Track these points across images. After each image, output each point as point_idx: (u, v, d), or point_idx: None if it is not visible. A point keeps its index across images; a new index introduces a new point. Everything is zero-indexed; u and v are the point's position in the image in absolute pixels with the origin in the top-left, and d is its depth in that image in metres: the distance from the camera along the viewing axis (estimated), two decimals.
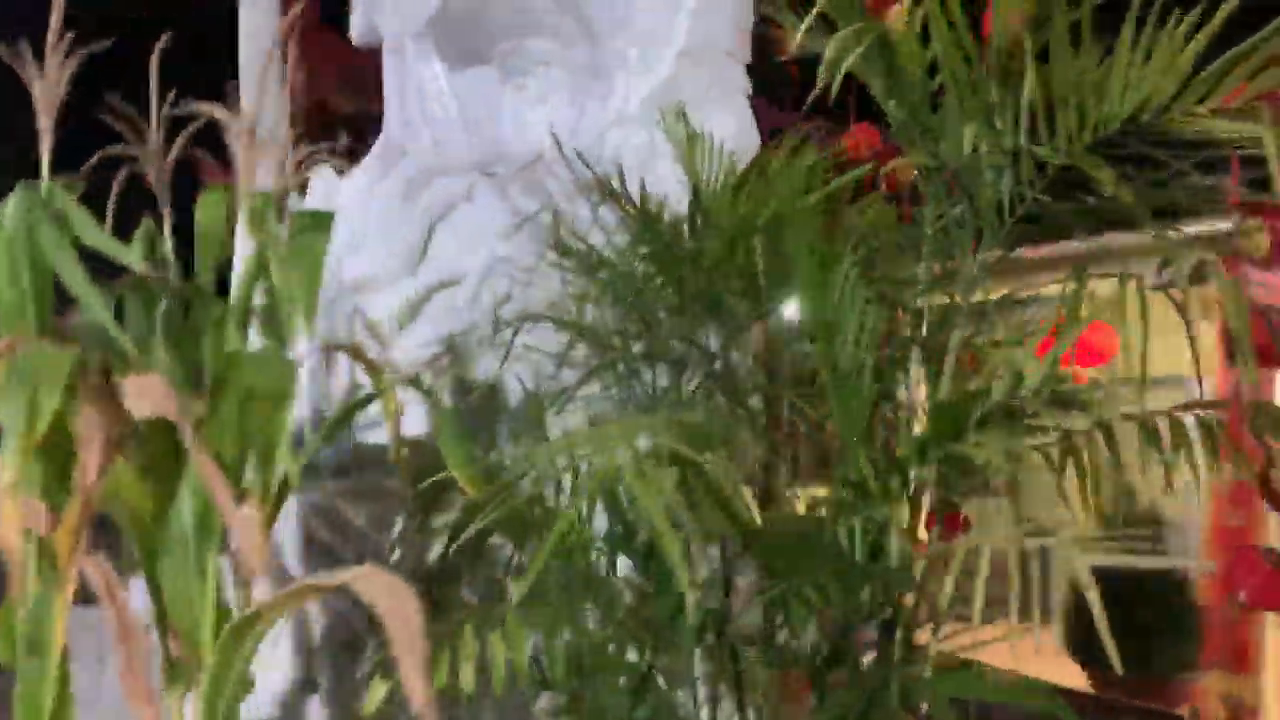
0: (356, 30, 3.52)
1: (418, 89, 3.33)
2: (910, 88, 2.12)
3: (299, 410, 2.67)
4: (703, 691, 2.15)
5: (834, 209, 2.38)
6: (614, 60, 3.11)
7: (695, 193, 2.44)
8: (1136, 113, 1.95)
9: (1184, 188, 2.17)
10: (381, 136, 3.00)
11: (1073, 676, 6.85)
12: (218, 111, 1.82)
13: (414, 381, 2.01)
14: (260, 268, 1.76)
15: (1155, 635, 6.25)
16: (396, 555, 2.52)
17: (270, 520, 1.83)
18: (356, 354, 2.03)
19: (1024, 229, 2.27)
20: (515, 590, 2.12)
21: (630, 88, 3.12)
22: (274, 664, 2.58)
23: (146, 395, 1.48)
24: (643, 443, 1.79)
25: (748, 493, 2.09)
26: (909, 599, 2.02)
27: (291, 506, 2.60)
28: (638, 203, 2.49)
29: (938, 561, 1.96)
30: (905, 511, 1.96)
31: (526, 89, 3.16)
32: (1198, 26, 1.93)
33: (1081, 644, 6.79)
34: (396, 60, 3.39)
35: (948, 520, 2.96)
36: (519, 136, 3.11)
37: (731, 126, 2.97)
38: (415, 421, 2.65)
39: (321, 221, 1.81)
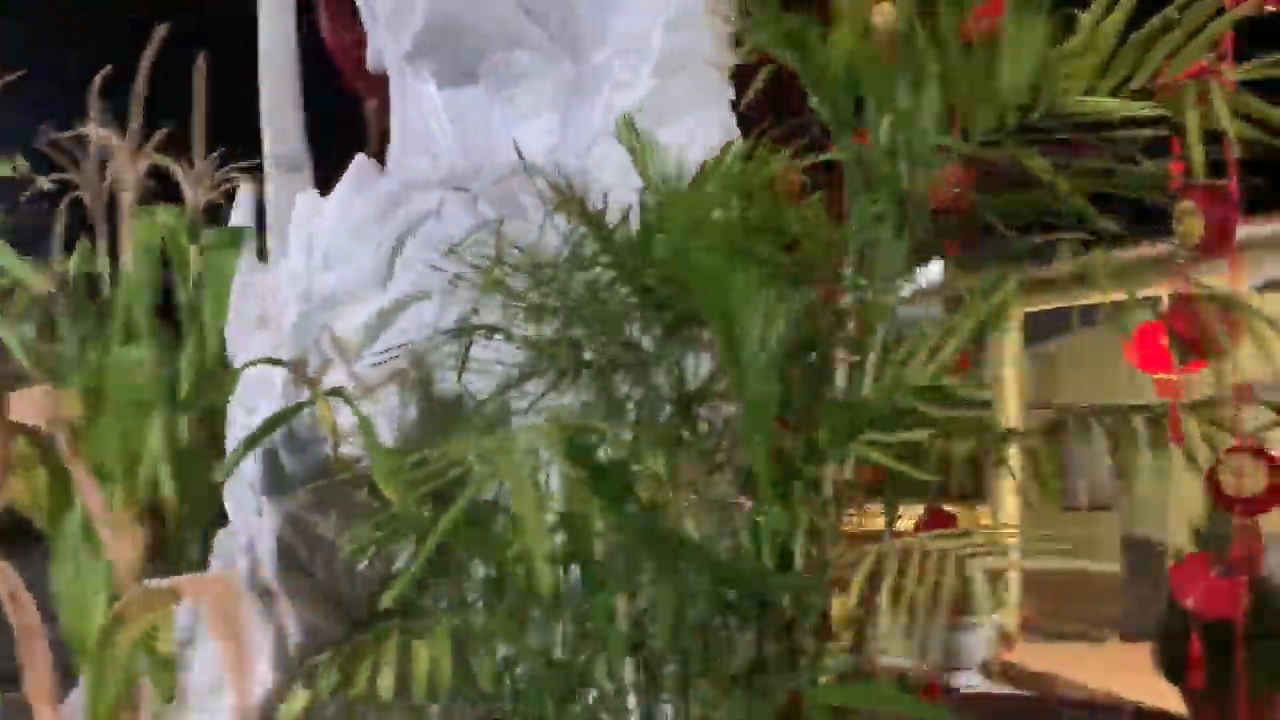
0: (369, 57, 3.62)
1: (417, 108, 3.41)
2: (832, 83, 2.09)
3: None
4: (632, 699, 2.12)
5: (773, 211, 2.35)
6: (598, 73, 3.12)
7: (643, 202, 2.43)
8: (1054, 98, 1.88)
9: (1128, 173, 2.08)
10: (359, 155, 3.07)
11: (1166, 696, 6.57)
12: (110, 136, 1.89)
13: (339, 394, 2.04)
14: (145, 282, 1.83)
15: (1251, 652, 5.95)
16: (364, 564, 2.55)
17: (137, 525, 1.88)
18: (295, 368, 2.08)
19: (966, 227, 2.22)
20: (385, 597, 2.12)
21: (613, 100, 3.12)
22: (253, 676, 2.63)
23: (27, 407, 1.54)
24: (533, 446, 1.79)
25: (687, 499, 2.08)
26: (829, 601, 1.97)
27: (267, 518, 2.66)
28: (602, 213, 2.49)
29: (845, 567, 1.90)
30: (804, 514, 1.90)
31: (514, 103, 3.20)
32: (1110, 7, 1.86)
33: (1172, 662, 6.50)
34: (399, 81, 3.47)
35: (933, 520, 2.89)
36: (508, 151, 3.15)
37: (715, 134, 2.96)
38: (385, 433, 2.70)
39: (235, 238, 1.87)
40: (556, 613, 2.06)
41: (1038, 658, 8.48)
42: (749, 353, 1.92)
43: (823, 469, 1.87)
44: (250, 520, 2.71)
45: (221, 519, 2.51)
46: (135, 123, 1.90)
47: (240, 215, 2.92)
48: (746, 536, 1.95)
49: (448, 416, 2.63)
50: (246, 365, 2.74)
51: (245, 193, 2.94)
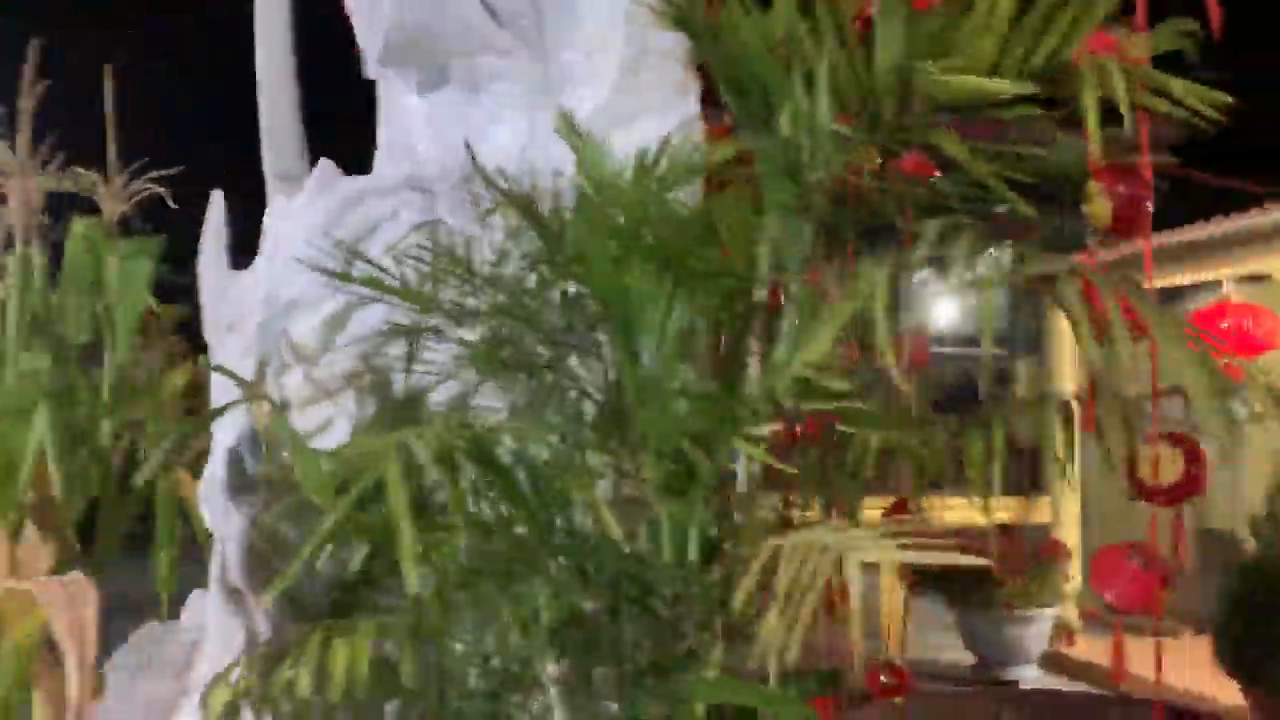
0: (366, 66, 3.67)
1: (398, 113, 3.44)
2: (741, 71, 2.07)
3: (232, 429, 2.82)
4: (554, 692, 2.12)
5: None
6: (563, 73, 3.13)
7: (580, 199, 2.43)
8: (925, 85, 1.82)
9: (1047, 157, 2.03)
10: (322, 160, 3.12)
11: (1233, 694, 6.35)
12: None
13: (248, 386, 2.07)
14: (26, 287, 1.88)
15: None
16: (321, 563, 2.59)
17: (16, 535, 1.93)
18: (223, 370, 2.12)
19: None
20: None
21: (580, 99, 3.13)
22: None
23: None
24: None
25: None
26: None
27: (232, 520, 2.72)
28: (554, 212, 2.50)
29: (739, 563, 1.88)
30: (699, 508, 1.88)
31: (486, 105, 3.22)
32: None
33: (1236, 660, 6.28)
34: (383, 86, 3.52)
35: (895, 512, 2.84)
36: (481, 152, 3.17)
37: (679, 130, 2.94)
38: (341, 432, 2.74)
39: (146, 247, 1.91)
40: (471, 613, 2.07)
41: (1104, 652, 8.30)
42: (645, 344, 1.91)
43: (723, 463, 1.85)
44: (219, 522, 2.77)
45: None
46: (25, 137, 1.96)
47: (211, 227, 2.99)
48: (648, 533, 1.94)
49: (401, 417, 2.66)
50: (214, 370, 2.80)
51: (216, 204, 3.01)
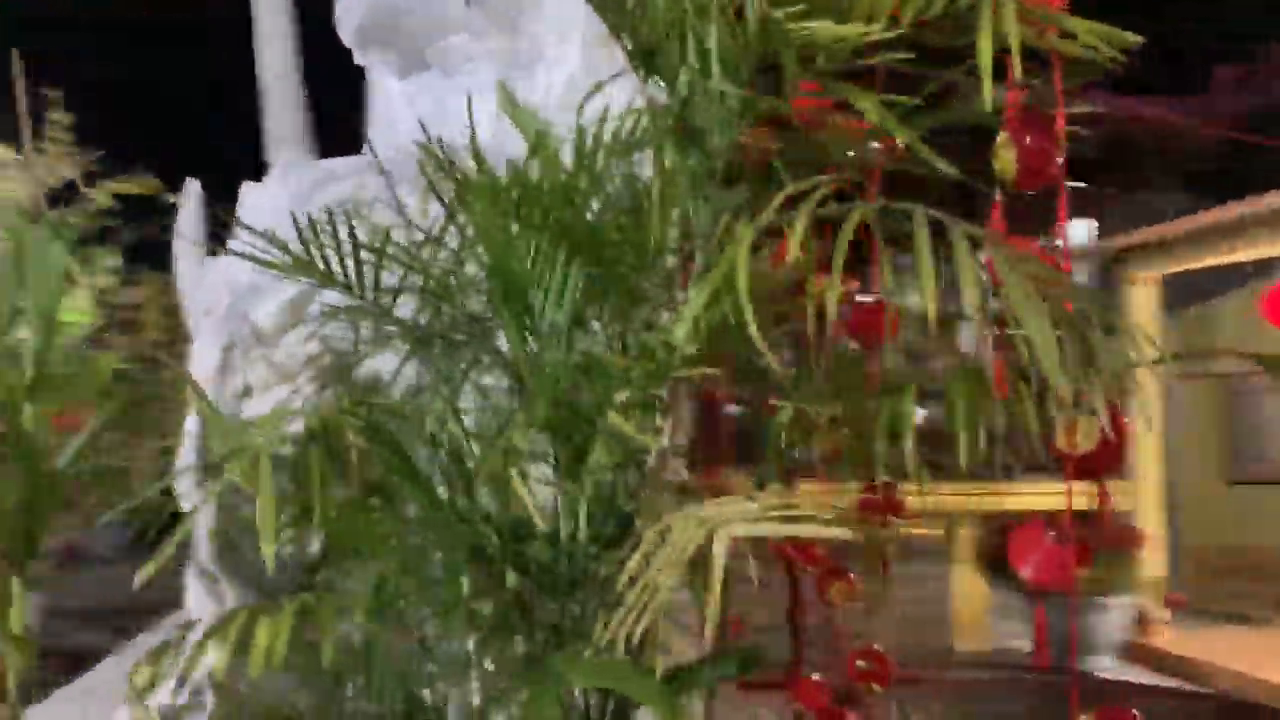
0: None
1: (384, 96, 3.46)
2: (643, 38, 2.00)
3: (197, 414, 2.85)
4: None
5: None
6: (533, 51, 3.10)
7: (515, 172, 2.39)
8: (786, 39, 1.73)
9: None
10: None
11: None
12: None
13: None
14: None
15: None
16: (285, 547, 2.61)
17: None
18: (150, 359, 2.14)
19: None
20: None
21: (551, 76, 3.10)
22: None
23: None
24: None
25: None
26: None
27: (201, 503, 2.75)
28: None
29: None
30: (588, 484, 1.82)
31: (460, 86, 3.20)
32: None
33: None
34: (369, 71, 3.54)
35: (864, 498, 2.74)
36: (452, 133, 3.16)
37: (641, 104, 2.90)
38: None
39: (60, 232, 1.93)
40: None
41: (1189, 642, 7.92)
42: (534, 318, 1.86)
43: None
44: (188, 506, 2.81)
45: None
46: None
47: (186, 215, 3.03)
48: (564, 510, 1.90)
49: (363, 398, 2.65)
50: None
51: (192, 192, 3.04)
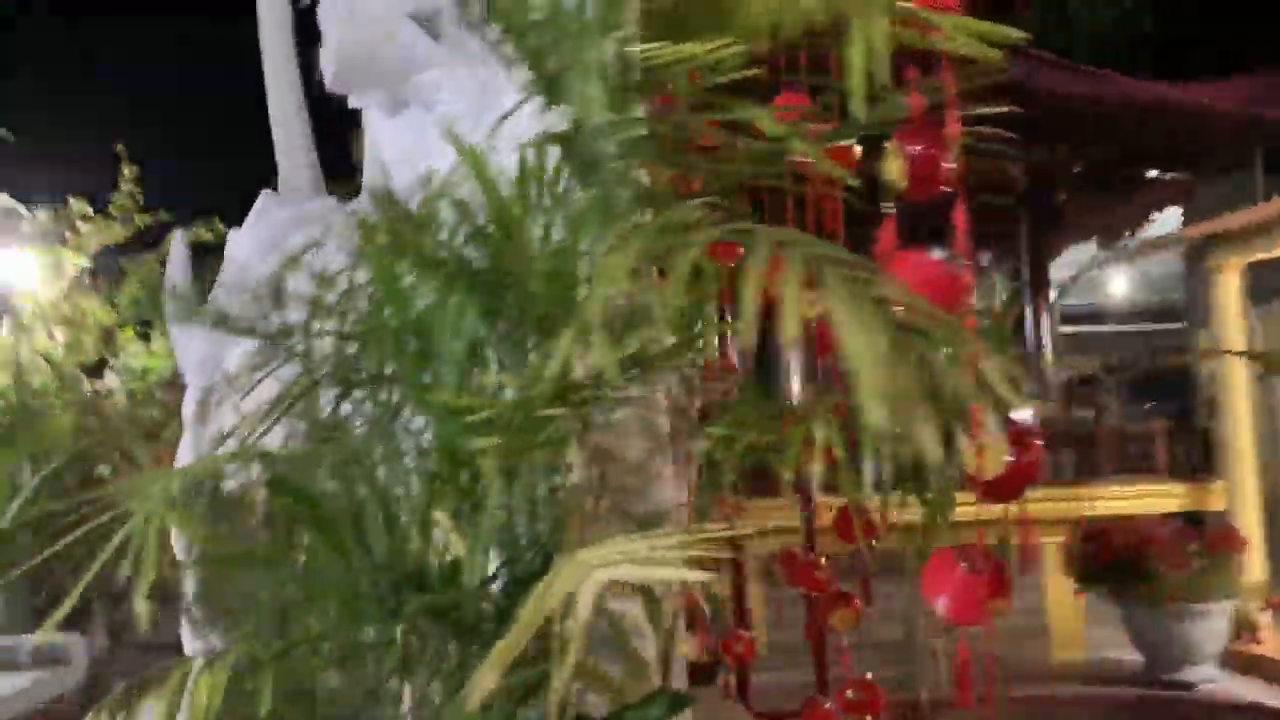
0: None
1: (373, 132, 3.47)
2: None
3: (186, 453, 2.89)
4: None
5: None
6: (502, 81, 3.07)
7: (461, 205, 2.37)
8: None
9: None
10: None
11: None
12: None
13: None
14: None
15: None
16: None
17: None
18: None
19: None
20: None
21: (522, 106, 3.07)
22: None
23: None
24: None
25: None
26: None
27: (181, 541, 2.79)
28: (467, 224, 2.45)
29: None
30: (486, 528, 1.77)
31: (438, 119, 3.20)
32: None
33: None
34: (364, 114, 3.56)
35: (840, 518, 2.64)
36: (434, 169, 3.16)
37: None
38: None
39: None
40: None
41: None
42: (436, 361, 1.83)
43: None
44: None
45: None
46: None
47: (174, 266, 3.07)
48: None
49: (327, 440, 2.66)
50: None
51: (177, 245, 3.10)
